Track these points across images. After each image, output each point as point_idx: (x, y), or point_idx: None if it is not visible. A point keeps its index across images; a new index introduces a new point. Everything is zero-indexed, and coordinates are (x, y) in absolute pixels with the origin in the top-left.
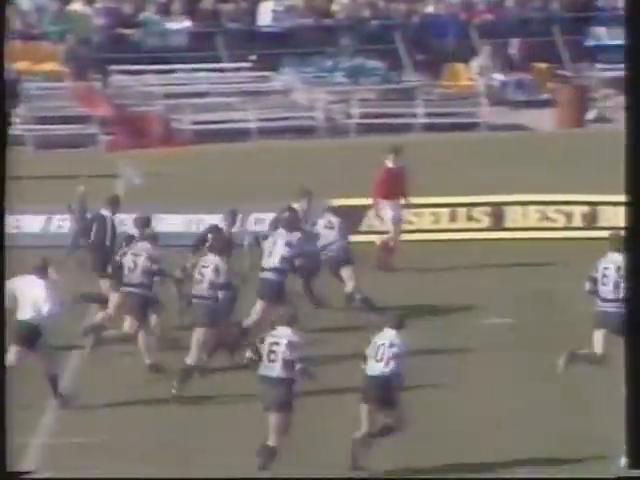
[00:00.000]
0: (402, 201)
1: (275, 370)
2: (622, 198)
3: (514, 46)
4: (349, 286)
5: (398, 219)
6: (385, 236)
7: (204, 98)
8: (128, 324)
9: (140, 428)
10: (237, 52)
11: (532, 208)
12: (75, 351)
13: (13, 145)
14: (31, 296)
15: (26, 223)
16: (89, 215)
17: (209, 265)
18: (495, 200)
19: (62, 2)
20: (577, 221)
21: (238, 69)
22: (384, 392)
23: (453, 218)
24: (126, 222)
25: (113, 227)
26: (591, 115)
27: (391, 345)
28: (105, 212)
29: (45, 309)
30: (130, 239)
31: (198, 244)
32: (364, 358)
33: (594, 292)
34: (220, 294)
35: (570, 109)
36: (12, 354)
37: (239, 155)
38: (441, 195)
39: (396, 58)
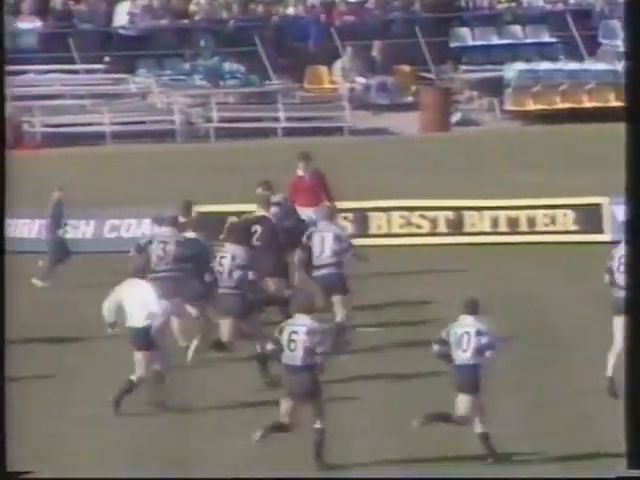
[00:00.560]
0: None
1: (297, 358)
2: (487, 203)
3: (376, 48)
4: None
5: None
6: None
7: (56, 100)
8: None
9: None
10: (91, 54)
11: (396, 214)
12: None
13: None
14: (141, 300)
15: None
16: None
17: (227, 255)
18: (359, 206)
19: None
20: (442, 227)
21: (92, 71)
22: (473, 381)
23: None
24: None
25: None
26: (456, 118)
27: (478, 333)
28: None
29: (157, 309)
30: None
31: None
32: (440, 342)
33: (613, 283)
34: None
35: (434, 112)
36: (140, 362)
37: (93, 159)
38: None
39: (256, 61)
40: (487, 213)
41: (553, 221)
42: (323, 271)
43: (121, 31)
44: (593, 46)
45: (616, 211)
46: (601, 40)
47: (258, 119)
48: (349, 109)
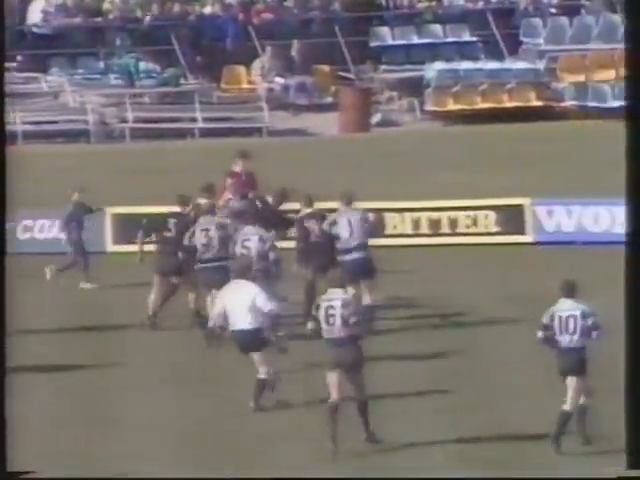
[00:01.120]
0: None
1: (336, 331)
2: (409, 204)
3: (295, 48)
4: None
5: None
6: None
7: None
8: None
9: None
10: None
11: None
12: None
13: None
14: (248, 302)
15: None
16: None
17: (250, 237)
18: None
19: None
20: None
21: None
22: (581, 363)
23: None
24: None
25: None
26: (376, 119)
27: (584, 315)
28: None
29: (267, 308)
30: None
31: None
32: (544, 327)
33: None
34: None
35: (354, 113)
36: (262, 362)
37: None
38: None
39: (173, 60)
40: (408, 215)
41: (475, 222)
42: (354, 255)
43: (34, 29)
44: (514, 45)
45: (538, 212)
46: (522, 39)
47: (175, 119)
48: (268, 109)
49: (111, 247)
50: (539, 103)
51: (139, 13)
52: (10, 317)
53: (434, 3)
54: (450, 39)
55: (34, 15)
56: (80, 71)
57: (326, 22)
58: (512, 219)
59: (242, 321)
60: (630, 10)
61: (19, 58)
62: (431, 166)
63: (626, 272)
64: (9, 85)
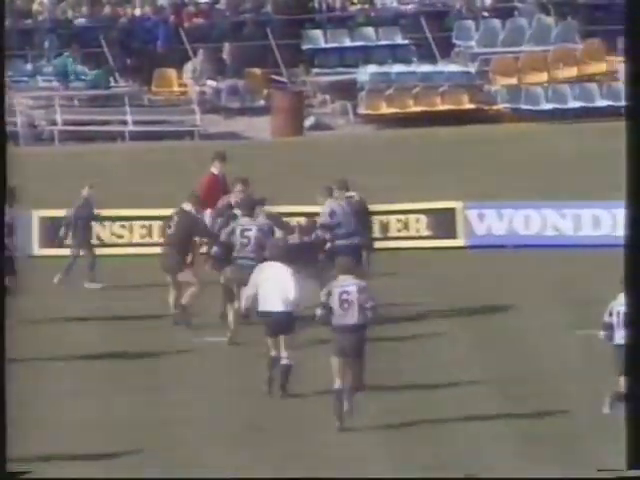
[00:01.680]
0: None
1: (352, 317)
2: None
3: (227, 51)
4: None
5: None
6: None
7: None
8: None
9: None
10: None
11: None
12: None
13: None
14: (281, 283)
15: None
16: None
17: (252, 228)
18: None
19: None
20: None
21: None
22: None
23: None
24: None
25: None
26: (309, 122)
27: None
28: None
29: (295, 296)
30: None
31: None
32: (606, 327)
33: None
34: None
35: (287, 116)
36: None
37: None
38: (155, 207)
39: (103, 62)
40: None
41: (406, 226)
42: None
43: None
44: (447, 48)
45: (469, 215)
46: (455, 41)
47: (105, 122)
48: (199, 113)
49: (38, 250)
50: (472, 106)
51: (69, 15)
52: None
53: (367, 6)
54: (383, 42)
55: None
56: (8, 73)
57: (258, 25)
58: (444, 223)
59: (273, 303)
60: (630, 10)
61: None
62: (363, 169)
63: (626, 273)
64: None
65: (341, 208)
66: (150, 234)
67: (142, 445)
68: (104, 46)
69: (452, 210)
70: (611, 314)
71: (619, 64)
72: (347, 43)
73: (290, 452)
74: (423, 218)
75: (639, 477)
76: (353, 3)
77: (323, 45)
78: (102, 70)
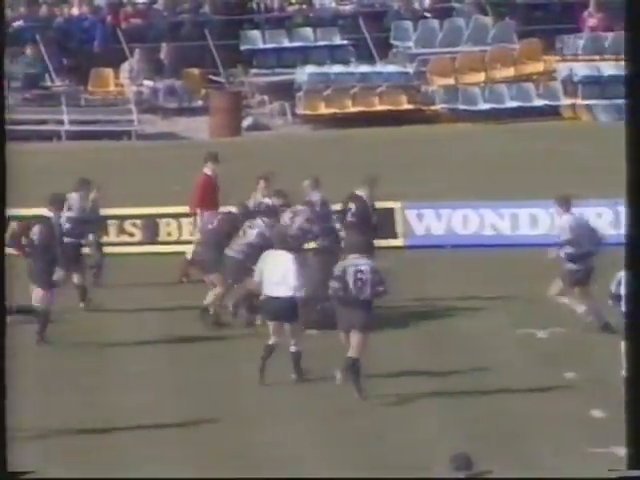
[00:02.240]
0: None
1: (365, 293)
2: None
3: (164, 51)
4: None
5: None
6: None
7: None
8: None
9: None
10: None
11: (186, 220)
12: None
13: None
14: (282, 271)
15: None
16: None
17: (255, 228)
18: (148, 212)
19: None
20: None
21: None
22: None
23: (105, 231)
24: None
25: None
26: (247, 122)
27: None
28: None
29: (295, 283)
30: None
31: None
32: (611, 297)
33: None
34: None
35: (225, 116)
36: (272, 331)
37: None
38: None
39: (39, 62)
40: None
41: None
42: None
43: None
44: (385, 48)
45: (408, 215)
46: (393, 42)
47: (41, 122)
48: (137, 113)
49: None
50: (410, 106)
51: (7, 14)
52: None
53: (305, 6)
54: (321, 43)
55: None
56: None
57: (196, 25)
58: (383, 223)
59: (277, 289)
60: (630, 10)
61: None
62: (302, 170)
63: (626, 273)
64: None
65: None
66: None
67: None
68: (40, 45)
69: (391, 210)
70: (620, 283)
71: (556, 64)
72: (285, 44)
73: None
74: None
75: (639, 477)
76: (291, 4)
77: (261, 46)
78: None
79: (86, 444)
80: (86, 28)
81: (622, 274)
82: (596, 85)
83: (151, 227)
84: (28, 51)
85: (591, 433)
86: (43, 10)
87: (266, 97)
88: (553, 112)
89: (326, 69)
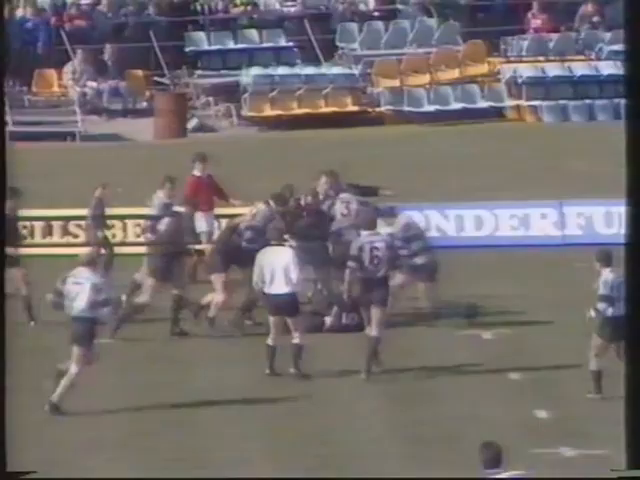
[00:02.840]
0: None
1: (380, 271)
2: (226, 211)
3: (108, 52)
4: None
5: (212, 231)
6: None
7: None
8: None
9: None
10: None
11: (131, 222)
12: None
13: None
14: (282, 267)
15: None
16: None
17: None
18: None
19: None
20: None
21: None
22: None
23: (49, 232)
24: None
25: None
26: (192, 124)
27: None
28: None
29: (295, 278)
30: None
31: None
32: (601, 299)
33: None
34: None
35: (169, 118)
36: (272, 326)
37: None
38: (36, 208)
39: None
40: (223, 221)
41: None
42: None
43: None
44: (330, 50)
45: None
46: (338, 44)
47: None
48: (80, 114)
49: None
50: (355, 108)
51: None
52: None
53: (250, 8)
54: (266, 44)
55: None
56: None
57: (140, 27)
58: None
59: (279, 285)
60: (630, 10)
61: None
62: (247, 173)
63: (626, 273)
64: None
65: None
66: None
67: None
68: None
69: None
70: (607, 283)
71: (500, 65)
72: (230, 45)
73: None
74: None
75: (639, 477)
76: (236, 5)
77: (206, 47)
78: None
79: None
80: (30, 29)
81: (609, 274)
82: (540, 86)
83: None
84: None
85: (536, 434)
86: None
87: (211, 99)
88: (498, 113)
89: (271, 71)
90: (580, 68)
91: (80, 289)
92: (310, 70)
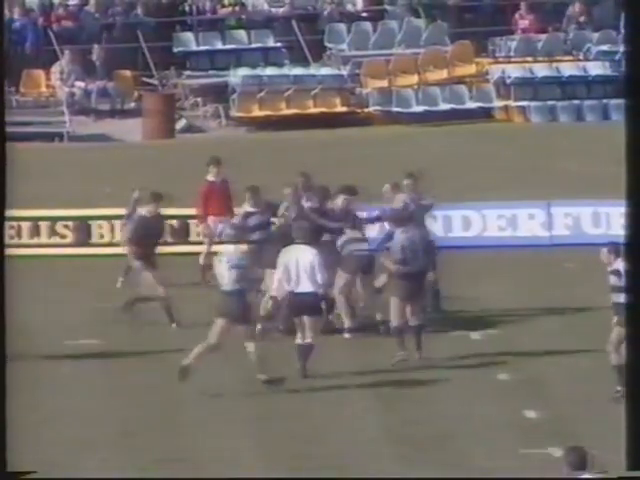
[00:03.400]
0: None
1: (416, 265)
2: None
3: (96, 53)
4: None
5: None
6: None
7: None
8: None
9: None
10: None
11: (119, 222)
12: None
13: None
14: (307, 266)
15: None
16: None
17: None
18: (80, 214)
19: None
20: (167, 236)
21: None
22: None
23: (36, 233)
24: None
25: None
26: (180, 125)
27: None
28: None
29: (321, 278)
30: None
31: None
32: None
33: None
34: None
35: (158, 119)
36: (311, 327)
37: None
38: (24, 208)
39: None
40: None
41: None
42: None
43: None
44: (319, 51)
45: None
46: (327, 44)
47: None
48: (69, 114)
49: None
50: (344, 109)
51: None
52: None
53: (238, 9)
54: (255, 45)
55: None
56: None
57: (128, 27)
58: None
59: (304, 284)
60: (629, 10)
61: None
62: (236, 173)
63: (627, 275)
64: None
65: None
66: None
67: None
68: None
69: None
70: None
71: (488, 66)
72: (219, 46)
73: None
74: None
75: (639, 477)
76: (224, 6)
77: (194, 48)
78: None
79: None
80: (17, 29)
81: (621, 264)
82: (529, 86)
83: (83, 229)
84: None
85: (525, 434)
86: None
87: (199, 99)
88: (486, 114)
89: (260, 71)
90: (568, 68)
91: (226, 267)
92: (298, 71)
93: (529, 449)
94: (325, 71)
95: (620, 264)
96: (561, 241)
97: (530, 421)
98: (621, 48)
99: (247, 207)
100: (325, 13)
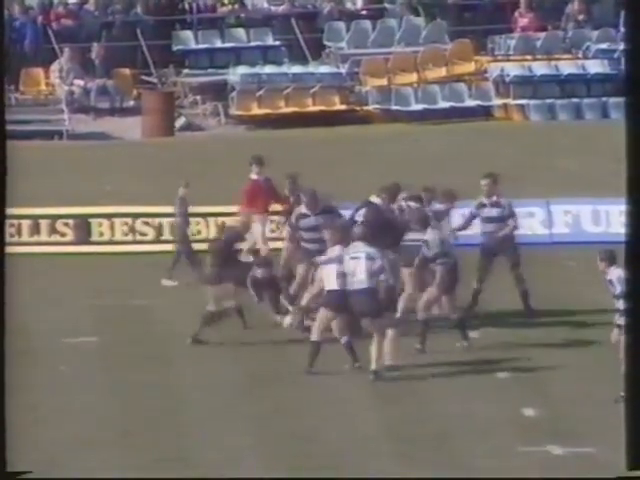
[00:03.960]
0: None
1: (452, 258)
2: (212, 209)
3: (95, 51)
4: None
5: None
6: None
7: None
8: None
9: None
10: None
11: (119, 220)
12: None
13: None
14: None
15: None
16: None
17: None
18: (80, 212)
19: None
20: (167, 233)
21: None
22: None
23: (36, 231)
24: None
25: None
26: (179, 123)
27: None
28: None
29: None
30: None
31: None
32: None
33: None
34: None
35: (157, 117)
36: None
37: None
38: (23, 206)
39: None
40: (212, 220)
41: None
42: None
43: None
44: (318, 49)
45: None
46: (326, 42)
47: None
48: (68, 112)
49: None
50: (343, 107)
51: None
52: None
53: (237, 7)
54: (254, 43)
55: None
56: None
57: (128, 25)
58: None
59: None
60: (629, 10)
61: None
62: (235, 171)
63: (626, 272)
64: None
65: None
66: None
67: None
68: None
69: None
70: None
71: (487, 64)
72: (218, 44)
73: None
74: None
75: (639, 477)
76: (223, 4)
77: (193, 46)
78: None
79: None
80: (17, 28)
81: (619, 271)
82: (528, 85)
83: (83, 227)
84: None
85: (524, 432)
86: None
87: (199, 97)
88: (485, 112)
89: (259, 70)
90: (567, 67)
91: (357, 263)
92: (298, 69)
93: (528, 447)
94: (324, 69)
95: (614, 273)
96: (561, 239)
97: (529, 419)
98: (620, 46)
99: (302, 209)
100: (324, 11)
